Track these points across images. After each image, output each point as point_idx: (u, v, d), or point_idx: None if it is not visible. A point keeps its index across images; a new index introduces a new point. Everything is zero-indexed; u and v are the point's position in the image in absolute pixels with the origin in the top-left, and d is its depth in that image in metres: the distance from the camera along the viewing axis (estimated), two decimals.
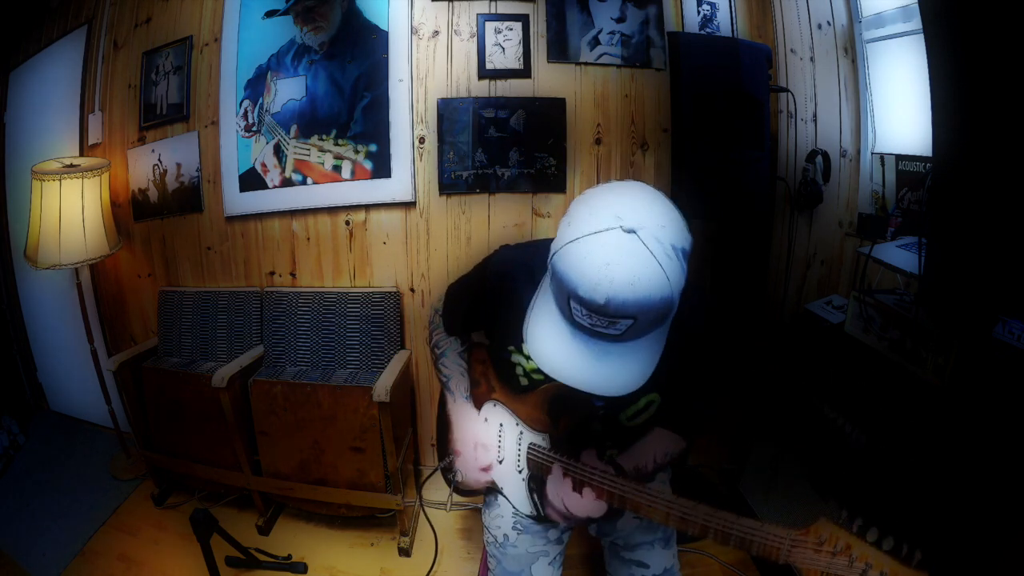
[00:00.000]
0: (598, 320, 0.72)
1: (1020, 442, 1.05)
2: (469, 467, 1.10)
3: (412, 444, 2.13)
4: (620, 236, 0.70)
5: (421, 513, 2.01)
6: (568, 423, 1.03)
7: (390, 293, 2.04)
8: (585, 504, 0.92)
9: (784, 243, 2.13)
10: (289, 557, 1.83)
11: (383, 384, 1.73)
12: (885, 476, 1.30)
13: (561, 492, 0.94)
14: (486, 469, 1.10)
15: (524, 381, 1.07)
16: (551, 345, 0.79)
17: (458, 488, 1.22)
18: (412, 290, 2.10)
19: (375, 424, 1.78)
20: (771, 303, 2.16)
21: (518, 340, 0.96)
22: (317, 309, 2.04)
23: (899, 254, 1.49)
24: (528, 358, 1.04)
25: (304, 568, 1.80)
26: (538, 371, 1.02)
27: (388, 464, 1.83)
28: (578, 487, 0.93)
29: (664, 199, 0.77)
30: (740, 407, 1.96)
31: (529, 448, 1.07)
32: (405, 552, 1.90)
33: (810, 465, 1.58)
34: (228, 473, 1.96)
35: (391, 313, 2.02)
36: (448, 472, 1.24)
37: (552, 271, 0.77)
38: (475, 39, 1.95)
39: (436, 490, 2.13)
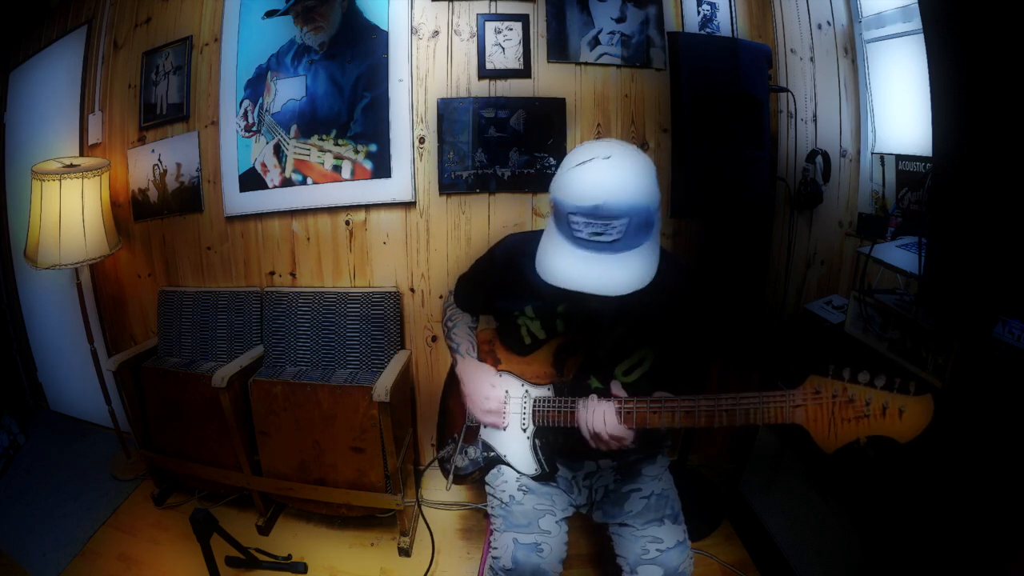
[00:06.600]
0: (595, 227, 0.87)
1: (1020, 442, 1.05)
2: (481, 409, 1.22)
3: (412, 444, 2.13)
4: (600, 161, 0.90)
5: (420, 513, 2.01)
6: (573, 366, 1.16)
7: (390, 293, 2.04)
8: (613, 426, 1.03)
9: (784, 243, 2.13)
10: (289, 557, 1.83)
11: (383, 384, 1.73)
12: (885, 476, 1.30)
13: (592, 416, 1.04)
14: (497, 412, 1.21)
15: (528, 340, 1.21)
16: (560, 262, 0.92)
17: (456, 475, 1.31)
18: (412, 290, 2.10)
19: (375, 424, 1.78)
20: (771, 303, 2.17)
21: (523, 307, 1.19)
22: (317, 309, 2.04)
23: (899, 254, 1.49)
24: (532, 319, 1.20)
25: (304, 568, 1.81)
26: (541, 330, 1.20)
27: (388, 464, 1.83)
28: (603, 413, 1.04)
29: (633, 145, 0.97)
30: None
31: (535, 401, 1.18)
32: (405, 552, 1.90)
33: (810, 465, 1.58)
34: (228, 473, 1.97)
35: (391, 313, 2.02)
36: (446, 462, 1.33)
37: (552, 203, 0.94)
38: (475, 39, 1.95)
39: (436, 490, 2.14)
